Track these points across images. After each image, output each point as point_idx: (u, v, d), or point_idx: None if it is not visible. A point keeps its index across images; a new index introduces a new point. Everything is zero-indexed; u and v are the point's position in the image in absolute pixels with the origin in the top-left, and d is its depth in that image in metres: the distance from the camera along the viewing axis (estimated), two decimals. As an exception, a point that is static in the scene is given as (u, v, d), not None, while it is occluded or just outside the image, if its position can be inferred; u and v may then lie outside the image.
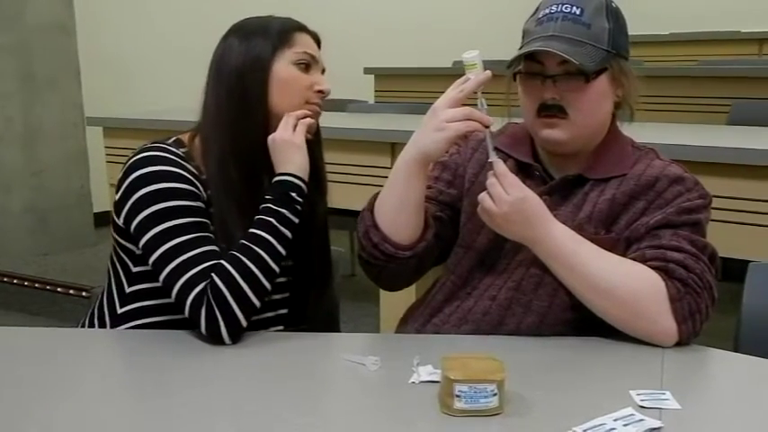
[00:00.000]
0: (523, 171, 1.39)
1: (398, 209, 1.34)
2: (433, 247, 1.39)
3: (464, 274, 1.40)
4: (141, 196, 1.31)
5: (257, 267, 1.29)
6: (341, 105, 4.05)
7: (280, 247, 1.32)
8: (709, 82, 3.82)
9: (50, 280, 3.66)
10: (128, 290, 1.39)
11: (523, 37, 1.36)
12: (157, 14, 4.96)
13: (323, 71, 1.47)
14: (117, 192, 1.35)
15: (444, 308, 1.40)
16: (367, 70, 4.88)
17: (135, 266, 1.38)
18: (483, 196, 1.27)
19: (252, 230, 1.32)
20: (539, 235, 1.26)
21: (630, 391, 1.07)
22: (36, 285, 3.66)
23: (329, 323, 1.60)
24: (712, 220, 1.35)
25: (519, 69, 1.34)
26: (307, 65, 1.42)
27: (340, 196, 2.92)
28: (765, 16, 5.23)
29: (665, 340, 1.24)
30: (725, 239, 2.00)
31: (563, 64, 1.29)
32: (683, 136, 2.60)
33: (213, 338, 1.26)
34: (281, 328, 1.44)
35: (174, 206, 1.30)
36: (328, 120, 3.79)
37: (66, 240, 4.26)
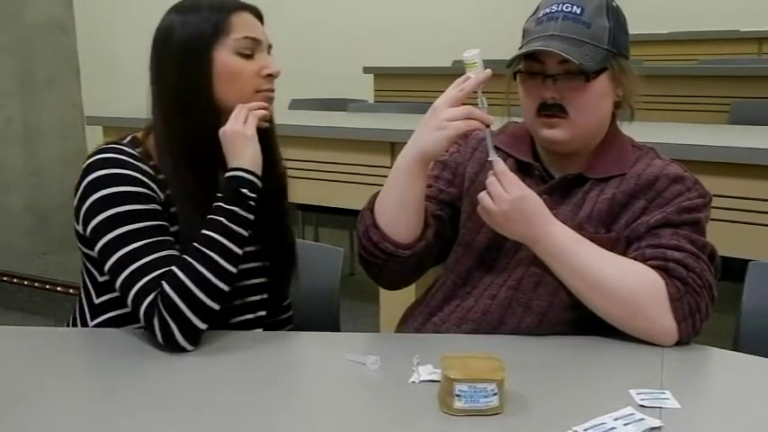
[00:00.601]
0: (523, 170, 1.39)
1: (398, 207, 1.34)
2: (432, 246, 1.39)
3: (464, 273, 1.40)
4: (95, 200, 1.28)
5: (209, 270, 1.25)
6: (340, 105, 4.05)
7: (233, 247, 1.28)
8: (709, 81, 3.81)
9: (50, 279, 3.66)
10: (96, 301, 1.37)
11: (523, 36, 1.36)
12: (156, 13, 4.95)
13: (269, 48, 1.39)
14: (75, 195, 1.31)
15: (444, 307, 1.40)
16: (366, 69, 4.87)
17: (101, 276, 1.35)
18: (482, 195, 1.27)
19: (203, 231, 1.27)
20: (538, 234, 1.26)
21: (630, 391, 1.07)
22: (35, 285, 3.66)
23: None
24: (712, 220, 1.35)
25: (519, 69, 1.34)
26: (250, 50, 1.34)
27: (339, 195, 2.94)
28: (765, 15, 5.22)
29: (665, 339, 1.24)
30: (725, 239, 2.00)
31: (563, 63, 1.29)
32: (683, 135, 2.60)
33: (170, 346, 1.22)
34: (259, 330, 1.43)
35: (127, 210, 1.27)
36: (328, 119, 3.81)
37: (65, 240, 4.24)
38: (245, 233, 1.30)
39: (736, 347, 1.47)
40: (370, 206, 1.37)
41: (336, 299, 1.65)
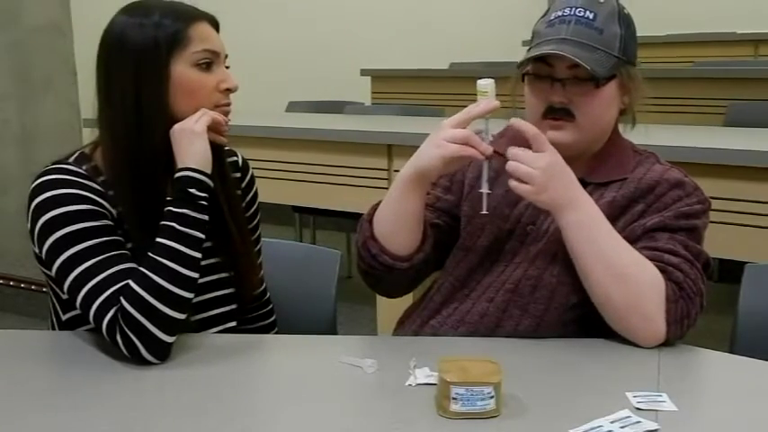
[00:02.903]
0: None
1: (395, 223, 1.34)
2: (431, 257, 1.39)
3: (462, 275, 1.40)
4: (45, 223, 1.24)
5: (166, 279, 1.20)
6: (337, 107, 4.05)
7: (189, 251, 1.23)
8: (705, 83, 3.82)
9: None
10: (63, 318, 1.35)
11: (533, 38, 1.36)
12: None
13: (226, 59, 1.33)
14: (26, 218, 1.28)
15: (442, 310, 1.40)
16: (364, 72, 4.87)
17: (64, 293, 1.29)
18: (514, 165, 1.24)
19: (157, 239, 1.23)
20: (576, 197, 1.25)
21: (627, 393, 1.07)
22: (32, 287, 3.65)
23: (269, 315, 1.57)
24: (708, 222, 1.36)
25: (527, 70, 1.34)
26: (209, 62, 1.30)
27: (337, 198, 2.94)
28: (761, 17, 5.24)
29: (651, 339, 1.24)
30: (721, 241, 2.01)
31: (573, 68, 1.29)
32: (679, 137, 2.60)
33: (138, 361, 1.19)
34: (233, 324, 1.42)
35: (78, 229, 1.23)
36: (325, 122, 3.79)
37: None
38: (200, 235, 1.25)
39: (732, 349, 1.48)
40: (370, 217, 1.37)
41: (333, 301, 1.65)
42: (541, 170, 1.23)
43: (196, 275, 1.24)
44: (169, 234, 1.23)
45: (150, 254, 1.22)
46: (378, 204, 1.38)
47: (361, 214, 1.41)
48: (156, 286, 1.20)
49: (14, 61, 4.05)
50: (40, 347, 1.35)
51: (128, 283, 1.21)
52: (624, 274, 1.23)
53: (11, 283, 3.72)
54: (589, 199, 1.27)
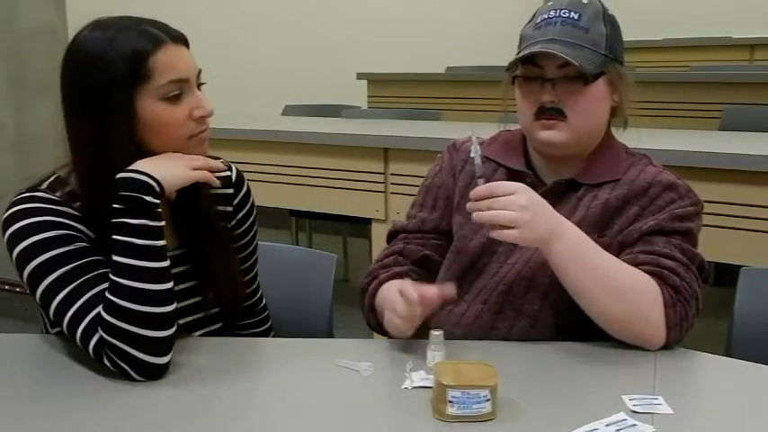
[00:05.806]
0: (515, 179, 1.38)
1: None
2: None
3: (456, 278, 1.40)
4: (19, 254, 1.20)
5: (133, 302, 1.12)
6: (334, 111, 4.05)
7: (152, 264, 1.14)
8: (701, 87, 3.83)
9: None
10: (52, 332, 1.33)
11: (521, 42, 1.36)
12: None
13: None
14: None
15: (436, 312, 1.40)
16: (360, 76, 4.88)
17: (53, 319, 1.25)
18: (493, 213, 1.20)
19: (114, 258, 1.13)
20: (562, 226, 1.24)
21: (623, 397, 1.07)
22: (27, 291, 3.65)
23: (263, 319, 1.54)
24: (704, 226, 1.36)
25: (517, 73, 1.35)
26: (178, 92, 1.19)
27: (333, 202, 2.94)
28: (757, 22, 5.26)
29: (653, 344, 1.24)
30: (717, 245, 2.01)
31: (562, 67, 1.30)
32: (675, 141, 2.61)
33: (131, 380, 1.14)
34: (219, 325, 1.37)
35: (51, 257, 1.18)
36: (321, 125, 3.79)
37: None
38: (162, 243, 1.16)
39: (728, 353, 1.48)
40: (366, 286, 1.40)
41: (330, 305, 1.65)
42: (523, 209, 1.20)
43: (169, 286, 1.16)
44: (125, 251, 1.14)
45: (112, 276, 1.14)
46: (373, 271, 1.40)
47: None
48: (128, 312, 1.13)
49: (10, 65, 4.04)
50: (34, 351, 1.34)
51: (99, 312, 1.14)
52: (621, 287, 1.24)
53: (6, 287, 3.71)
54: (567, 222, 1.27)
